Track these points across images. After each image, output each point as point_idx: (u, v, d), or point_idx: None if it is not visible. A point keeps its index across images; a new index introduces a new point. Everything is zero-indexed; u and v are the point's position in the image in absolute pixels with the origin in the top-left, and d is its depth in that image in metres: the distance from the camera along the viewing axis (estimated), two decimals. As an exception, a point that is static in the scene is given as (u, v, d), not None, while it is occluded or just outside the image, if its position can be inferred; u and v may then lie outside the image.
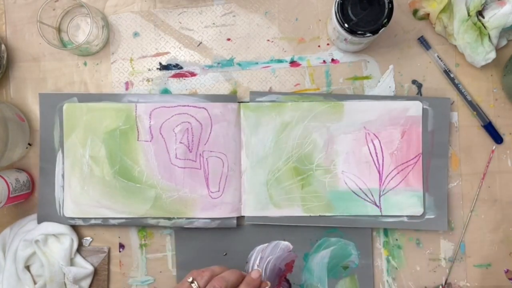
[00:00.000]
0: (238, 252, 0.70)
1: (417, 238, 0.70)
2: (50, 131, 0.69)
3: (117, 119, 0.68)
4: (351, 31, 0.60)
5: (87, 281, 0.69)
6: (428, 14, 0.68)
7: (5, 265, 0.68)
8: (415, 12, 0.69)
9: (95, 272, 0.70)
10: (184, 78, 0.71)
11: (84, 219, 0.69)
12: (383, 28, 0.60)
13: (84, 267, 0.69)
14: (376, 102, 0.68)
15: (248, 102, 0.69)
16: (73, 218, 0.69)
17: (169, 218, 0.69)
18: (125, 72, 0.71)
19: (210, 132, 0.68)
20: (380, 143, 0.68)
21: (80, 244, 0.70)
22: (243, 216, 0.69)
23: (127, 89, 0.71)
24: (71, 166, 0.69)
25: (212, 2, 0.71)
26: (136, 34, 0.71)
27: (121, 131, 0.69)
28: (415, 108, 0.68)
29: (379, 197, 0.68)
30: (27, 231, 0.68)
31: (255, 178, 0.68)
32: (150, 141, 0.69)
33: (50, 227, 0.68)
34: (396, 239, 0.70)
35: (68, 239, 0.68)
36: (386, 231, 0.70)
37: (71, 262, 0.69)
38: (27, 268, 0.68)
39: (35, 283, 0.68)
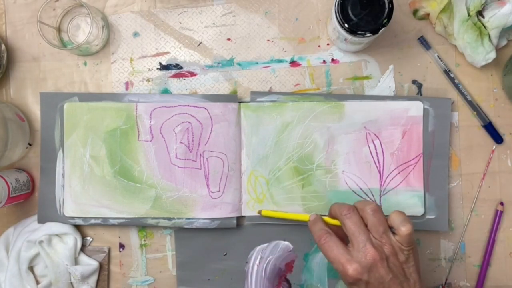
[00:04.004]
0: (238, 252, 0.70)
1: (417, 238, 0.70)
2: (50, 130, 0.69)
3: (117, 118, 0.68)
4: (351, 31, 0.60)
5: (94, 277, 0.69)
6: (428, 14, 0.68)
7: (8, 264, 0.68)
8: (415, 12, 0.69)
9: (95, 272, 0.70)
10: (184, 78, 0.71)
11: (84, 218, 0.69)
12: (383, 28, 0.60)
13: (89, 263, 0.69)
14: (376, 102, 0.68)
15: (248, 102, 0.69)
16: (73, 218, 0.69)
17: (169, 218, 0.69)
18: (125, 72, 0.71)
19: (211, 132, 0.68)
20: (380, 143, 0.68)
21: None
22: (243, 216, 0.69)
23: (127, 89, 0.71)
24: (72, 165, 0.69)
25: (212, 2, 0.71)
26: (136, 34, 0.71)
27: (122, 130, 0.69)
28: (416, 108, 0.68)
29: (380, 197, 0.68)
30: (31, 231, 0.68)
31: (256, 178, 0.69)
32: (151, 141, 0.68)
33: (54, 227, 0.68)
34: (396, 239, 0.70)
35: (72, 239, 0.68)
36: (386, 231, 0.70)
37: (75, 261, 0.69)
38: (31, 268, 0.68)
39: (38, 283, 0.68)
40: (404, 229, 0.56)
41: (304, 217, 0.63)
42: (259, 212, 0.68)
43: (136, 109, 0.69)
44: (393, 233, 0.57)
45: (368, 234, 0.56)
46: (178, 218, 0.69)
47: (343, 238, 0.58)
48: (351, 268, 0.55)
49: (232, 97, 0.69)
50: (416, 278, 0.57)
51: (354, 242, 0.56)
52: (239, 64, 0.71)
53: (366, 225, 0.57)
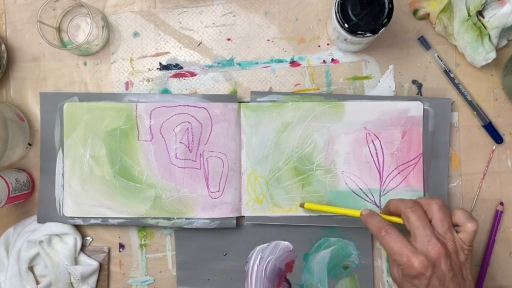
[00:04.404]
0: (238, 252, 0.70)
1: (417, 238, 0.70)
2: (50, 130, 0.69)
3: (117, 118, 0.68)
4: (351, 31, 0.60)
5: (94, 277, 0.69)
6: (428, 14, 0.68)
7: (8, 264, 0.68)
8: (415, 12, 0.69)
9: (95, 272, 0.70)
10: (184, 78, 0.71)
11: (84, 218, 0.69)
12: (383, 28, 0.60)
13: (89, 263, 0.69)
14: (376, 102, 0.68)
15: (248, 102, 0.69)
16: (72, 218, 0.69)
17: (168, 218, 0.69)
18: (125, 72, 0.71)
19: (210, 132, 0.68)
20: (380, 143, 0.68)
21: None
22: (243, 216, 0.69)
23: (127, 89, 0.71)
24: (72, 165, 0.69)
25: (212, 2, 0.71)
26: (136, 34, 0.71)
27: (122, 130, 0.69)
28: (416, 108, 0.68)
29: (380, 197, 0.68)
30: (31, 231, 0.68)
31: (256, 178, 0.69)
32: (150, 141, 0.69)
33: (53, 227, 0.68)
34: (396, 239, 0.70)
35: (71, 239, 0.68)
36: (386, 231, 0.70)
37: (75, 261, 0.69)
38: (31, 268, 0.68)
39: (38, 283, 0.68)
40: (470, 225, 0.56)
41: (355, 212, 0.63)
42: (302, 205, 0.67)
43: (136, 109, 0.69)
44: (456, 231, 0.57)
45: (433, 229, 0.55)
46: (178, 218, 0.69)
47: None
48: (417, 260, 0.53)
49: (232, 97, 0.69)
50: (471, 281, 0.56)
51: (417, 236, 0.55)
52: (239, 64, 0.71)
53: (430, 221, 0.56)
